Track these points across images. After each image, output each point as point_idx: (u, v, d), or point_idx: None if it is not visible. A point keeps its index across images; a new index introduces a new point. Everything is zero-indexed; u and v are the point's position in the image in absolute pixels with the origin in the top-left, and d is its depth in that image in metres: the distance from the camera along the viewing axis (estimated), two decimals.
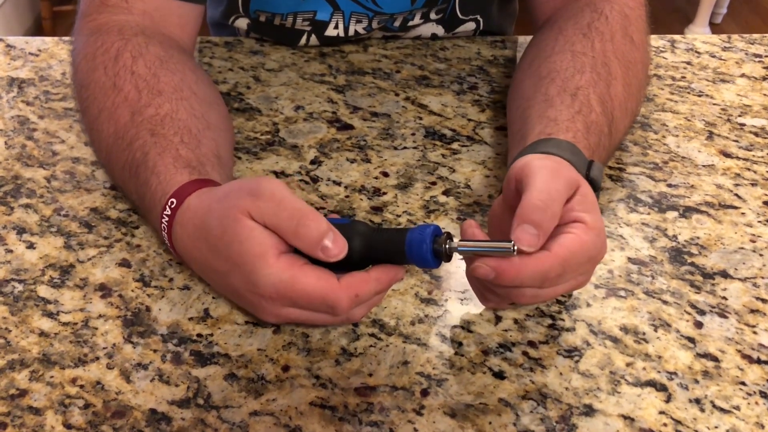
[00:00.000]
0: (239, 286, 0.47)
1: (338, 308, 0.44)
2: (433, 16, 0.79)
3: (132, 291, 0.52)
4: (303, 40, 0.79)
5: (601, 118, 0.56)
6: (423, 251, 0.44)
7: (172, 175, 0.51)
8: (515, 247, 0.43)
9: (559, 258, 0.44)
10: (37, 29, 2.51)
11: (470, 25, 0.82)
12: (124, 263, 0.54)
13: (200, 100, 0.59)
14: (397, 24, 0.79)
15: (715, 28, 2.70)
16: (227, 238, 0.46)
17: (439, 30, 0.81)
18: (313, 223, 0.44)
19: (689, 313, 0.52)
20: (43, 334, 0.49)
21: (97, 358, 0.48)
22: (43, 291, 0.52)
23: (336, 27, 0.78)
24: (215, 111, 0.60)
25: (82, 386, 0.46)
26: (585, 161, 0.52)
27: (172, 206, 0.50)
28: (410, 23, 0.79)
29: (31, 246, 0.56)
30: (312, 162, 0.65)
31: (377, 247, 0.45)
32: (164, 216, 0.50)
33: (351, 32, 0.78)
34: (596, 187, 0.52)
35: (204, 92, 0.60)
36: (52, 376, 0.47)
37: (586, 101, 0.56)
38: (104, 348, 0.48)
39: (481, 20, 0.82)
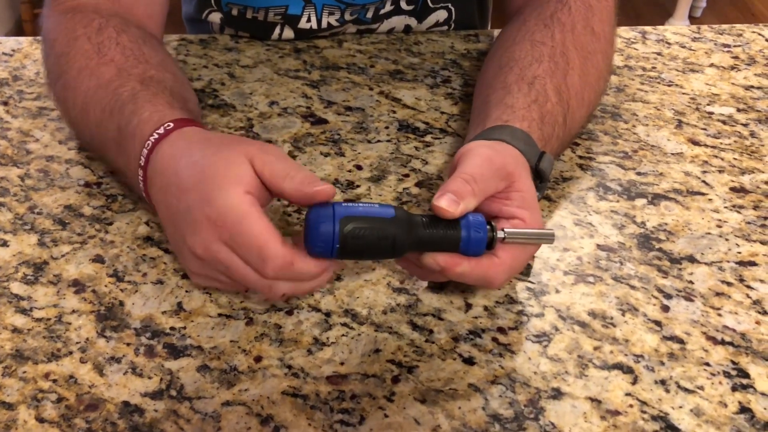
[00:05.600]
0: (191, 203, 0.45)
1: (269, 264, 0.43)
2: (404, 5, 0.80)
3: (105, 286, 0.53)
4: (276, 33, 0.80)
5: (557, 108, 0.57)
6: (480, 241, 0.46)
7: (168, 110, 0.52)
8: (554, 235, 0.47)
9: (506, 265, 0.47)
10: (18, 32, 2.50)
11: (442, 14, 0.82)
12: (98, 259, 0.55)
13: (179, 78, 0.61)
14: (369, 15, 0.79)
15: (695, 21, 2.72)
16: (215, 159, 0.45)
17: (412, 21, 0.82)
18: (306, 171, 0.45)
19: (656, 297, 0.53)
20: (16, 330, 0.49)
21: (71, 353, 0.48)
22: (17, 288, 0.52)
23: (308, 20, 0.78)
24: (191, 91, 0.63)
25: (55, 380, 0.46)
26: (537, 152, 0.53)
27: (168, 128, 0.49)
28: (382, 12, 0.79)
29: (4, 244, 0.56)
30: None
31: (429, 238, 0.46)
32: (155, 134, 0.49)
33: (324, 24, 0.79)
34: (544, 179, 0.54)
35: (181, 74, 0.63)
36: (24, 372, 0.47)
37: (543, 90, 0.57)
38: (77, 342, 0.49)
39: (453, 9, 0.83)
